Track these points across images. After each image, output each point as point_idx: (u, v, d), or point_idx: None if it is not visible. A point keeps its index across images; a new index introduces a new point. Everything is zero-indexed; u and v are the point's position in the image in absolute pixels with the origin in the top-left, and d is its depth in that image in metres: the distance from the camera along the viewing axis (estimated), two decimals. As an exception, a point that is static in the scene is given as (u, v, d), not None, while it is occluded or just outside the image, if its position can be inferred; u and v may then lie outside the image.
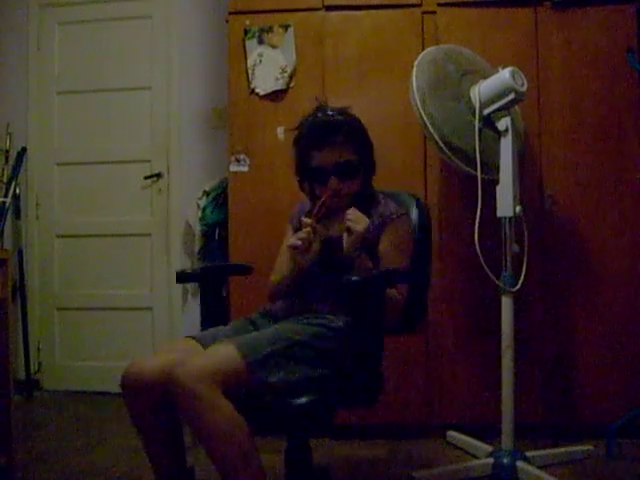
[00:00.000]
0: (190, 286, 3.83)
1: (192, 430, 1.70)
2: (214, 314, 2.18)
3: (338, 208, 2.02)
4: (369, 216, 2.00)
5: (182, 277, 2.26)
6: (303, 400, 1.74)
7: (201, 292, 2.25)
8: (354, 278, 1.82)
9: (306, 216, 2.01)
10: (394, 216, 2.08)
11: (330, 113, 2.09)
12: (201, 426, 1.66)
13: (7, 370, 2.60)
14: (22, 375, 3.99)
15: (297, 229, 2.12)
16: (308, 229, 1.93)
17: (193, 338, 1.92)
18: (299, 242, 1.93)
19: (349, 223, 1.91)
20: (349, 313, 1.97)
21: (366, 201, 2.09)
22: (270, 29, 3.15)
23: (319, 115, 2.08)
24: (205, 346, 1.85)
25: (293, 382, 1.77)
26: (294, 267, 2.02)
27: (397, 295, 1.98)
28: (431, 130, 2.59)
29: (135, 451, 2.94)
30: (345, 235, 1.93)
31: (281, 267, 2.15)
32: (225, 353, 1.74)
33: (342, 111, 2.11)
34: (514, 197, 2.57)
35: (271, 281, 2.18)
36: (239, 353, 1.73)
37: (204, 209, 3.65)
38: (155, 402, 1.79)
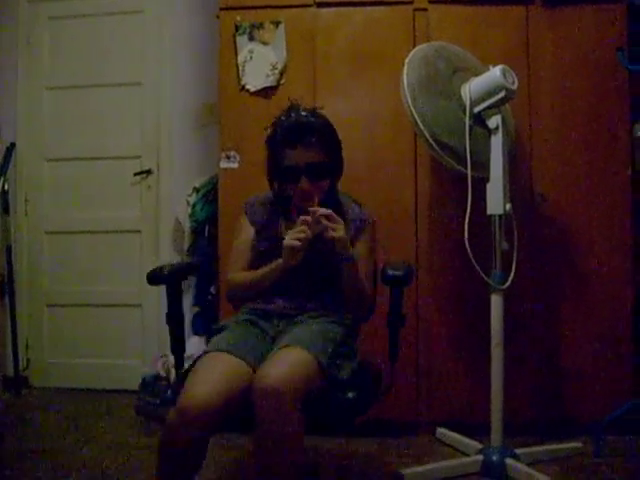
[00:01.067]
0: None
1: (264, 437, 1.67)
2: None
3: (308, 205, 2.01)
4: (344, 219, 2.02)
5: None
6: (350, 395, 1.84)
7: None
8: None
9: (298, 213, 1.99)
10: (370, 221, 2.18)
11: (304, 114, 2.10)
12: (281, 432, 1.65)
13: (-5, 367, 2.59)
14: (11, 372, 3.97)
15: (263, 225, 2.14)
16: (304, 227, 1.92)
17: (220, 351, 1.83)
18: (298, 242, 1.91)
19: (331, 233, 1.92)
20: (337, 310, 2.04)
21: (335, 204, 2.10)
22: (261, 25, 3.14)
23: (292, 115, 2.09)
24: (245, 360, 1.80)
25: (352, 378, 1.85)
26: (284, 267, 1.99)
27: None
28: (421, 127, 2.59)
29: (124, 447, 2.94)
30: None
31: (242, 264, 2.12)
32: (300, 357, 1.75)
33: (314, 112, 2.13)
34: (504, 195, 2.58)
35: (236, 280, 2.13)
36: (311, 355, 1.76)
37: (194, 206, 3.64)
38: (207, 431, 1.72)
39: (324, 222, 1.91)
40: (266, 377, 1.66)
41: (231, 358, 1.80)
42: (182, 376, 1.89)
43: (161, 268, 2.12)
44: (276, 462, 1.67)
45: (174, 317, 2.07)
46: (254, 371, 1.76)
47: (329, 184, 2.12)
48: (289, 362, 1.72)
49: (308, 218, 1.92)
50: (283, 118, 2.10)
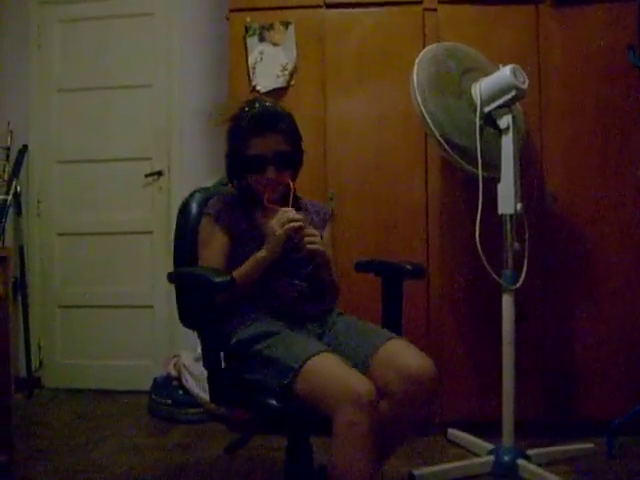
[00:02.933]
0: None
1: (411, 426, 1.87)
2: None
3: (273, 196, 2.04)
4: (305, 212, 2.11)
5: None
6: None
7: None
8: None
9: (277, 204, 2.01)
10: (330, 212, 2.24)
11: (268, 104, 2.12)
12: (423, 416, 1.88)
13: (8, 368, 2.60)
14: (23, 373, 3.98)
15: (243, 230, 2.07)
16: (290, 215, 1.92)
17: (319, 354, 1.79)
18: (294, 225, 1.91)
19: (313, 246, 1.95)
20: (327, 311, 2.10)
21: (294, 197, 2.06)
22: (271, 26, 3.14)
23: (257, 105, 2.08)
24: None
25: None
26: (271, 257, 1.95)
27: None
28: (432, 127, 2.59)
29: (137, 448, 2.95)
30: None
31: (218, 263, 2.03)
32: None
33: (277, 104, 2.16)
34: (515, 194, 2.57)
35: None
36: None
37: (205, 207, 3.65)
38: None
39: (302, 234, 1.94)
40: (424, 365, 1.77)
41: (341, 360, 1.76)
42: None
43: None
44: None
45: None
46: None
47: (292, 175, 2.09)
48: (421, 352, 1.83)
49: (292, 212, 1.94)
50: (247, 109, 2.07)
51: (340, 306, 2.18)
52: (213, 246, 2.06)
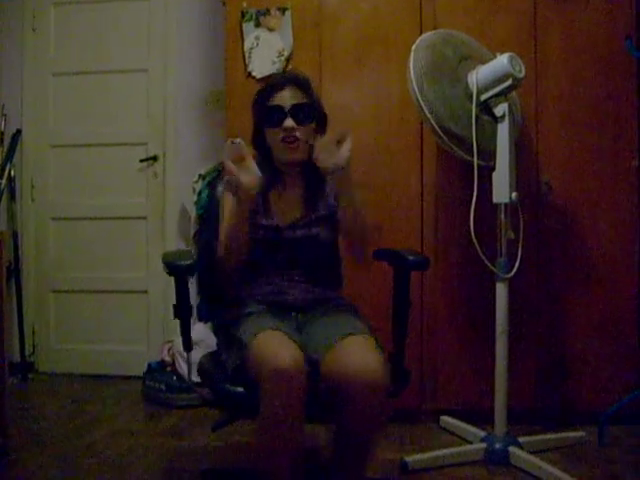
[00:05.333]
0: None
1: (355, 422, 1.77)
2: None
3: (294, 157, 2.03)
4: (325, 186, 2.11)
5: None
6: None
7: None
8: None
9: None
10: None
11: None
12: (377, 421, 1.79)
13: (2, 352, 2.60)
14: (17, 357, 3.99)
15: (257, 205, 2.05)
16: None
17: (273, 330, 1.83)
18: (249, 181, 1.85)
19: (327, 163, 1.88)
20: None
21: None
22: (267, 12, 3.13)
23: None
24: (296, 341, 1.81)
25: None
26: (238, 205, 1.90)
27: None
28: (428, 115, 2.58)
29: (130, 433, 2.96)
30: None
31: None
32: (374, 345, 1.82)
33: None
34: (510, 183, 2.57)
35: (219, 246, 2.02)
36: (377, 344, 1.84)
37: (200, 193, 3.63)
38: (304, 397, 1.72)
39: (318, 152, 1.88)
40: (363, 366, 1.71)
41: (286, 336, 1.79)
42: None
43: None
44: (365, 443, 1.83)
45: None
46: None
47: (313, 135, 2.04)
48: (372, 351, 1.77)
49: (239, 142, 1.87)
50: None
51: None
52: (224, 218, 2.06)
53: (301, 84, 2.06)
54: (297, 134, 2.01)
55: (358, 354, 1.75)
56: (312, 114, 2.06)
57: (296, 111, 2.02)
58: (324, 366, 1.79)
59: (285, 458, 1.73)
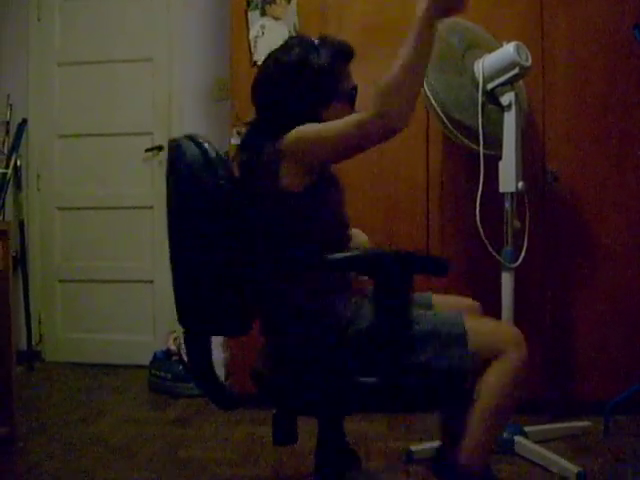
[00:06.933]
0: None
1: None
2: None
3: None
4: None
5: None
6: None
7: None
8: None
9: None
10: None
11: None
12: None
13: (9, 342, 2.62)
14: (24, 347, 4.01)
15: None
16: None
17: None
18: None
19: None
20: None
21: None
22: (273, 0, 3.11)
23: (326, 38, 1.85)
24: None
25: None
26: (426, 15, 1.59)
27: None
28: (434, 104, 2.57)
29: (136, 422, 2.97)
30: None
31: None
32: None
33: None
34: (516, 173, 2.56)
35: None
36: None
37: (205, 182, 3.64)
38: None
39: None
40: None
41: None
42: None
43: None
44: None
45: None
46: None
47: None
48: None
49: None
50: (316, 42, 1.78)
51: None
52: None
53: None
54: None
55: None
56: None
57: (355, 95, 1.87)
58: None
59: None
